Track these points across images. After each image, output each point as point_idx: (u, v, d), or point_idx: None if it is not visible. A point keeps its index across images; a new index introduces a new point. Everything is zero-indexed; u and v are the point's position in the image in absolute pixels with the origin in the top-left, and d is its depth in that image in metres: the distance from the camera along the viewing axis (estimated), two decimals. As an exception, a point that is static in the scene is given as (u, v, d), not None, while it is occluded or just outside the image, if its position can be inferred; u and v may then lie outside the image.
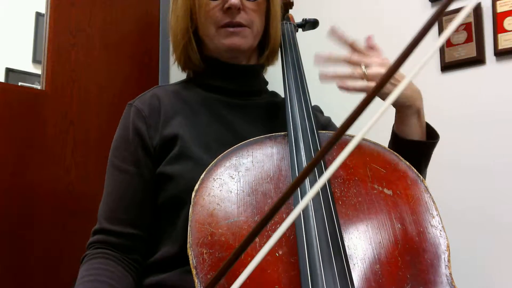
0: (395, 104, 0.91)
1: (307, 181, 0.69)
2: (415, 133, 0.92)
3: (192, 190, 0.71)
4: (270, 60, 1.04)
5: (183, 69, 1.03)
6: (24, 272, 1.53)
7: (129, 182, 0.91)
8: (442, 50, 1.42)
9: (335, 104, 1.15)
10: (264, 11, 0.97)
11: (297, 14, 1.16)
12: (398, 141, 0.93)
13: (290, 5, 1.13)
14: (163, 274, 0.85)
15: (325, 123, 1.06)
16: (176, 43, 0.98)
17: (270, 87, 1.09)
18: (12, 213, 1.53)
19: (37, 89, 2.02)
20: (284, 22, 1.06)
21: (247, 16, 0.93)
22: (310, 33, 1.16)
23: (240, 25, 0.92)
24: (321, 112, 1.11)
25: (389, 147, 0.92)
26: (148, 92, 1.00)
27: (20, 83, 2.44)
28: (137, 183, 0.91)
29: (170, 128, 0.91)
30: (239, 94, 1.00)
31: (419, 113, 0.92)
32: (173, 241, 0.86)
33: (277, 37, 1.00)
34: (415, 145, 0.92)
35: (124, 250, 0.89)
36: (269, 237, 0.65)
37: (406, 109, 0.91)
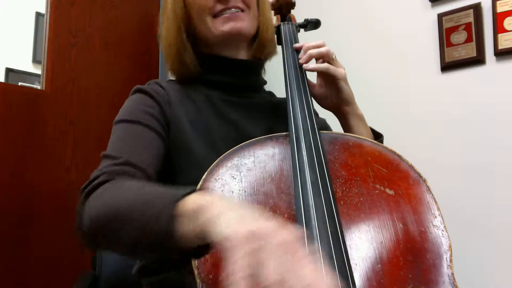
0: (341, 103, 0.95)
1: (308, 181, 0.69)
2: (366, 135, 0.94)
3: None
4: (260, 51, 1.02)
5: (179, 77, 1.00)
6: (24, 272, 1.53)
7: (149, 133, 0.85)
8: (442, 50, 1.42)
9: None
10: None
11: (298, 14, 1.16)
12: None
13: (292, 5, 1.13)
14: (164, 273, 0.85)
15: (321, 126, 1.06)
16: (169, 49, 0.97)
17: (271, 88, 1.09)
18: (12, 213, 1.53)
19: (37, 89, 2.02)
20: (286, 22, 1.06)
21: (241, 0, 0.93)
22: (312, 33, 1.16)
23: (236, 8, 0.92)
24: (316, 115, 1.11)
25: None
26: (150, 81, 0.98)
27: (20, 83, 2.43)
28: (157, 137, 0.85)
29: (177, 117, 0.90)
30: (239, 88, 0.99)
31: (360, 117, 0.96)
32: None
33: (268, 22, 1.00)
34: None
35: None
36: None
37: (349, 106, 0.95)
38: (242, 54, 0.99)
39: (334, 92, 0.95)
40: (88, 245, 0.72)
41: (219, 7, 0.92)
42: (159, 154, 0.85)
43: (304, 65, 0.93)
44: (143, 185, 0.70)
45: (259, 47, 1.01)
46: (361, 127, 0.96)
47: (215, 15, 0.93)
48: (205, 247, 0.55)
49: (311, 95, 0.94)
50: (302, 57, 0.94)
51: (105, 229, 0.66)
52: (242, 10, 0.94)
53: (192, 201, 0.56)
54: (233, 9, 0.92)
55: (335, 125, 1.10)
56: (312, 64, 0.94)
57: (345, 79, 0.94)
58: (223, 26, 0.93)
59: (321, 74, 0.95)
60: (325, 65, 0.93)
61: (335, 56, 0.95)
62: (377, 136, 0.98)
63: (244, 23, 0.94)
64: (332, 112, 1.00)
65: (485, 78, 1.34)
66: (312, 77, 0.97)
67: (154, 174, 0.82)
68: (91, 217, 0.68)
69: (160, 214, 0.57)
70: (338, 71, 0.93)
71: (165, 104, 0.91)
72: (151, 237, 0.58)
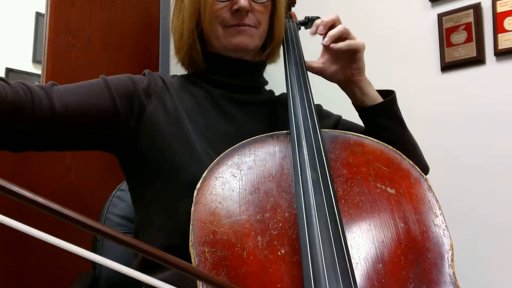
0: (354, 73, 0.98)
1: (309, 180, 0.69)
2: (378, 98, 0.99)
3: (194, 184, 0.70)
4: (270, 58, 1.04)
5: (187, 69, 1.02)
6: (24, 272, 1.53)
7: (101, 94, 0.86)
8: (442, 50, 1.42)
9: (338, 101, 1.15)
10: (270, 12, 0.97)
11: (298, 12, 1.16)
12: (368, 112, 0.98)
13: (293, 3, 1.13)
14: (163, 273, 0.84)
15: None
16: (181, 44, 0.97)
17: (270, 86, 1.10)
18: (12, 213, 1.53)
19: (37, 89, 2.01)
20: (287, 20, 1.06)
21: (255, 17, 0.93)
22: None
23: (249, 26, 0.93)
24: (329, 116, 1.11)
25: (366, 130, 0.99)
26: (156, 72, 0.99)
27: (20, 83, 2.43)
28: (105, 102, 0.86)
29: (177, 111, 0.91)
30: (243, 90, 1.00)
31: (370, 82, 1.00)
32: (170, 235, 0.84)
33: (280, 36, 1.00)
34: (385, 107, 0.98)
35: (34, 113, 0.79)
36: (271, 236, 0.65)
37: (361, 75, 0.98)
38: (247, 57, 1.00)
39: (349, 64, 0.97)
40: None
41: (233, 21, 0.92)
42: (87, 108, 0.84)
43: (332, 45, 0.95)
44: None
45: (269, 56, 1.03)
46: (374, 90, 0.99)
47: (227, 26, 0.93)
48: None
49: (319, 73, 1.00)
50: (323, 38, 0.96)
51: None
52: (254, 27, 0.94)
53: None
54: (244, 26, 0.92)
55: (332, 109, 1.11)
56: (336, 44, 0.95)
57: (364, 49, 0.97)
58: (232, 38, 0.93)
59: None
60: (347, 42, 0.94)
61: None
62: (389, 93, 1.00)
63: (252, 40, 0.94)
64: (341, 84, 1.01)
65: (485, 78, 1.34)
66: (313, 56, 0.99)
67: (62, 110, 0.81)
68: None
69: None
70: (359, 44, 0.96)
71: (152, 94, 0.92)
72: None
